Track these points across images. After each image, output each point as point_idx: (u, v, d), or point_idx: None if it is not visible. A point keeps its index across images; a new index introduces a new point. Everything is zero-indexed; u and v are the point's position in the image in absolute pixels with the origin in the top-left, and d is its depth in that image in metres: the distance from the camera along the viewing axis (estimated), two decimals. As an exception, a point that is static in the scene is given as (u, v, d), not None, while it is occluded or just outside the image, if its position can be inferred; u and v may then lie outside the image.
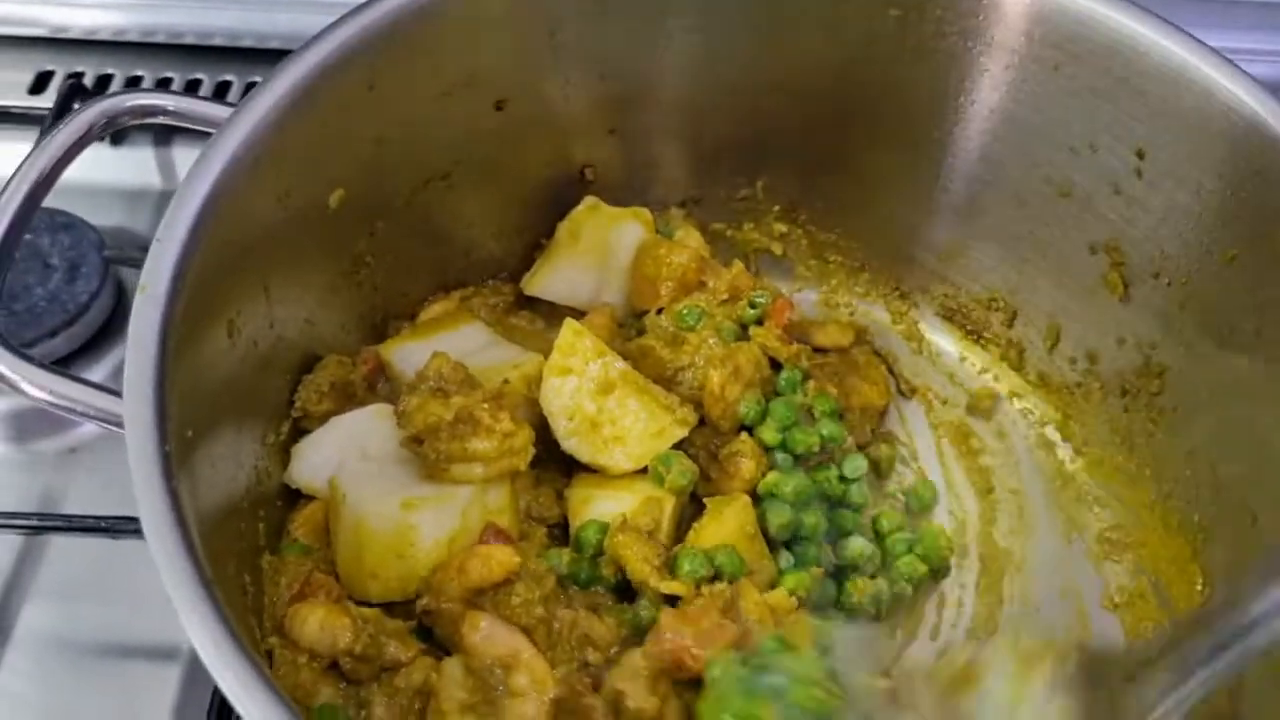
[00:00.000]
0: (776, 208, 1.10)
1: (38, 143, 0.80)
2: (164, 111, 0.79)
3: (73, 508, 1.00)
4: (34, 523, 0.96)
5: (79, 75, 1.30)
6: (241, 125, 0.77)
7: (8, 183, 0.75)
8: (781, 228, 1.12)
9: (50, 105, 1.24)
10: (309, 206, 0.85)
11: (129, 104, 0.77)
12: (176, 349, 0.68)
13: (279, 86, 0.79)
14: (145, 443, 0.62)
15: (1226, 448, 0.91)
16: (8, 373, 0.68)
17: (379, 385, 0.95)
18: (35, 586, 0.97)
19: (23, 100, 1.28)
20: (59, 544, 0.99)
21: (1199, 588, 0.91)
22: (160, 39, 1.31)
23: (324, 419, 0.88)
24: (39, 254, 1.09)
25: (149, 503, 0.59)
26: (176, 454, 0.64)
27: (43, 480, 1.03)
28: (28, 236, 1.01)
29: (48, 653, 0.94)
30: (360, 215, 0.91)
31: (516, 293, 1.05)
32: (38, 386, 0.69)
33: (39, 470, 1.04)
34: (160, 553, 0.58)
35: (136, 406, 0.64)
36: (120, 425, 0.65)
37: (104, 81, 1.31)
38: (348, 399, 0.91)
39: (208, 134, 0.78)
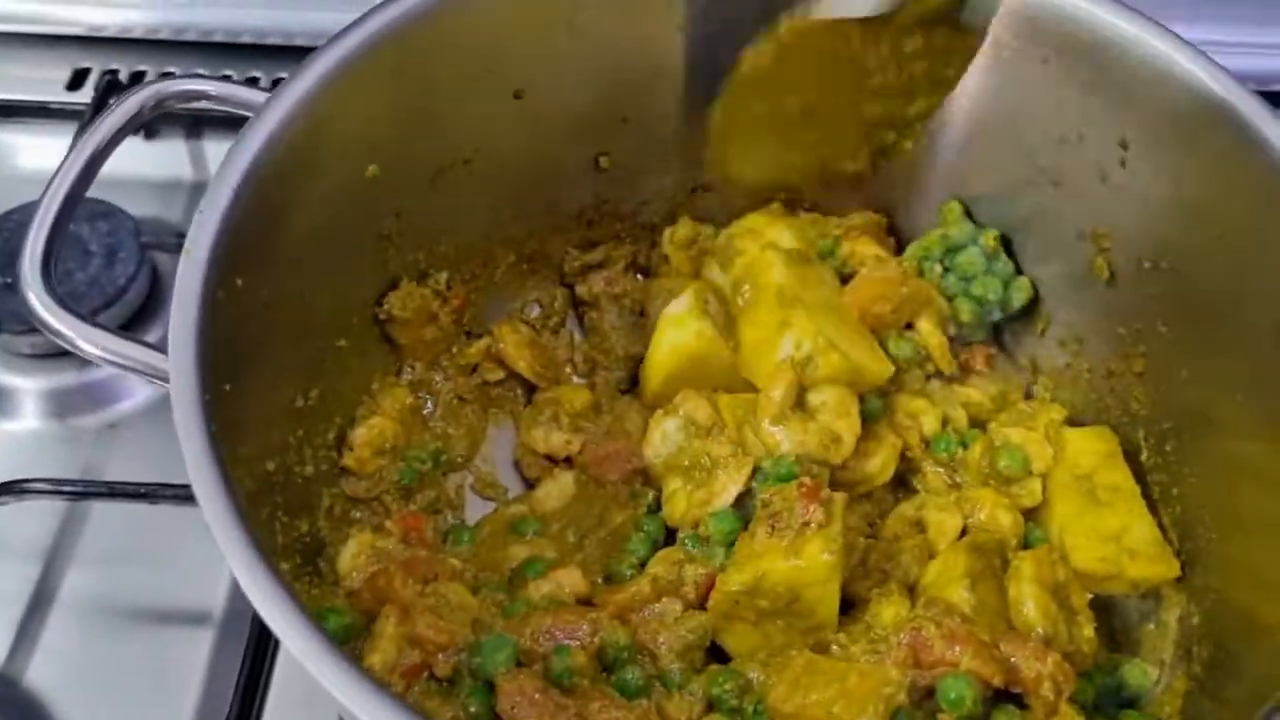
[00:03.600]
0: (783, 197, 1.15)
1: (83, 128, 0.85)
2: (207, 96, 0.85)
3: (112, 480, 1.04)
4: (78, 489, 1.01)
5: (114, 72, 1.37)
6: (277, 109, 0.83)
7: (64, 159, 0.81)
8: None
9: (87, 101, 1.31)
10: (339, 184, 0.90)
11: (175, 89, 0.83)
12: (215, 308, 0.74)
13: (311, 74, 0.85)
14: (188, 391, 0.68)
15: (1204, 427, 0.95)
16: (65, 330, 0.74)
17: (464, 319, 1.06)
18: (78, 552, 1.03)
19: (61, 96, 1.35)
20: (101, 511, 1.04)
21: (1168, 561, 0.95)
22: (191, 37, 1.37)
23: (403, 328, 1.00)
24: (79, 240, 1.15)
25: (191, 443, 0.65)
26: (216, 403, 0.70)
27: (84, 455, 1.09)
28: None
29: (90, 615, 1.00)
30: (387, 195, 0.96)
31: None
32: (91, 343, 0.75)
33: (80, 445, 1.09)
34: (201, 490, 0.63)
35: (180, 358, 0.69)
36: (165, 379, 0.71)
37: (138, 78, 1.38)
38: (429, 321, 1.02)
39: (240, 122, 0.83)
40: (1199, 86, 0.88)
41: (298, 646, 0.58)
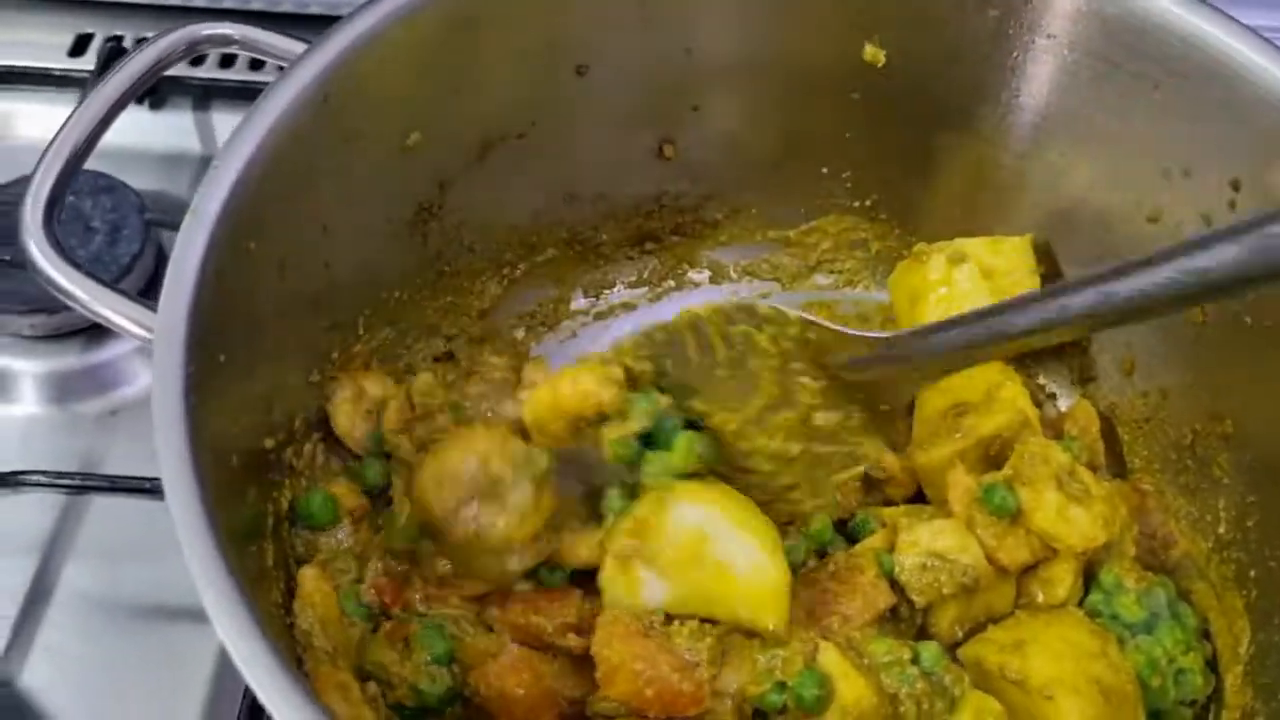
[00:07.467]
0: (857, 204, 1.08)
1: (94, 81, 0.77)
2: (244, 43, 0.80)
3: (113, 469, 1.01)
4: (77, 482, 0.97)
5: (119, 38, 1.30)
6: (316, 60, 0.78)
7: (80, 103, 0.76)
8: (864, 226, 1.09)
9: (90, 68, 1.25)
10: (377, 149, 0.85)
11: (209, 32, 0.78)
12: (219, 273, 0.69)
13: (354, 28, 0.80)
14: (172, 359, 0.63)
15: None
16: (63, 281, 0.70)
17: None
18: (77, 546, 0.98)
19: (63, 63, 1.28)
20: (101, 504, 1.00)
21: (1243, 648, 0.87)
22: (199, 3, 1.29)
23: None
24: (81, 216, 1.09)
25: (164, 415, 0.60)
26: (205, 375, 0.65)
27: (84, 442, 1.04)
28: (70, 198, 1.03)
29: (89, 611, 0.95)
30: (430, 164, 0.91)
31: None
32: (88, 293, 0.71)
33: (80, 432, 1.04)
34: (167, 463, 0.59)
35: (169, 323, 0.65)
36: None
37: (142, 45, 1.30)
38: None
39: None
40: (1329, 130, 0.79)
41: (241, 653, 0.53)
